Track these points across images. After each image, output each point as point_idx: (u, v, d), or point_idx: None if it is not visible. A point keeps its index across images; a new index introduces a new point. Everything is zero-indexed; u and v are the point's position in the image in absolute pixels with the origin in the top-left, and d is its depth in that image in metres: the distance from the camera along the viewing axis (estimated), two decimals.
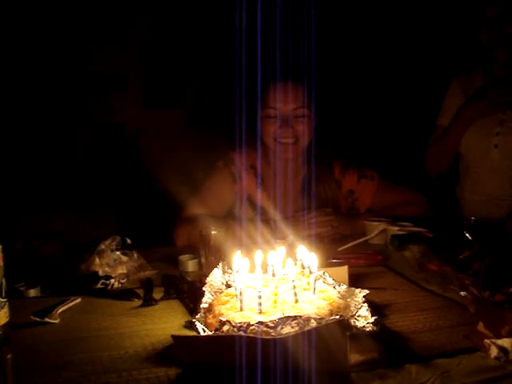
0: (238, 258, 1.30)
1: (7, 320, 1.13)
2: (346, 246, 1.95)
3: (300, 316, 1.06)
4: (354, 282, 1.51)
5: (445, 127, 2.45)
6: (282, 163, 2.20)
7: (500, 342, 1.08)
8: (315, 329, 0.98)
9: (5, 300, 1.12)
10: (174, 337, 1.05)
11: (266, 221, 2.08)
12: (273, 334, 1.04)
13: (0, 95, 3.82)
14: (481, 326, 1.15)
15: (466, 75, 2.49)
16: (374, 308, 1.29)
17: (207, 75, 4.14)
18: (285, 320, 1.06)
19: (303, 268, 1.36)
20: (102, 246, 1.54)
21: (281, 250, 1.38)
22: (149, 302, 1.41)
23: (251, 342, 0.96)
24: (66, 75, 4.08)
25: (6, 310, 1.13)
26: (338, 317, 1.09)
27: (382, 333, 1.15)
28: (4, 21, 3.79)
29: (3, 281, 1.12)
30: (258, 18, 2.28)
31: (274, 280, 1.29)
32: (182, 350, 1.04)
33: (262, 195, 2.23)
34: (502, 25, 2.19)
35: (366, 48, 4.10)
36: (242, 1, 2.47)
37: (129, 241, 1.62)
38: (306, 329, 1.02)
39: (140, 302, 1.42)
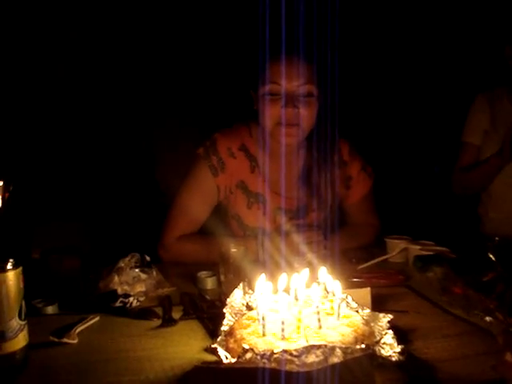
0: (261, 280, 1.27)
1: (26, 343, 1.11)
2: (367, 264, 1.92)
3: (325, 345, 1.04)
4: (377, 303, 1.48)
5: (472, 145, 2.42)
6: (282, 148, 1.99)
7: None
8: (343, 362, 0.96)
9: (24, 322, 1.10)
10: (197, 367, 1.03)
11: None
12: (297, 362, 1.01)
13: (13, 98, 3.81)
14: (509, 356, 1.12)
15: (491, 91, 2.46)
16: (398, 333, 1.25)
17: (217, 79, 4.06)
18: (309, 349, 1.03)
19: (326, 291, 1.33)
20: (121, 264, 1.52)
21: (304, 272, 1.35)
22: (168, 322, 1.39)
23: (275, 373, 0.93)
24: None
25: (25, 332, 1.10)
26: (363, 346, 1.07)
27: (407, 361, 1.13)
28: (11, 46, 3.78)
29: (23, 303, 1.10)
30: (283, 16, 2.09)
31: (296, 303, 1.27)
32: (203, 380, 1.01)
33: (256, 180, 2.03)
34: None
35: (388, 60, 4.06)
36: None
37: (148, 258, 1.60)
38: (331, 360, 0.99)
39: (159, 322, 1.40)
